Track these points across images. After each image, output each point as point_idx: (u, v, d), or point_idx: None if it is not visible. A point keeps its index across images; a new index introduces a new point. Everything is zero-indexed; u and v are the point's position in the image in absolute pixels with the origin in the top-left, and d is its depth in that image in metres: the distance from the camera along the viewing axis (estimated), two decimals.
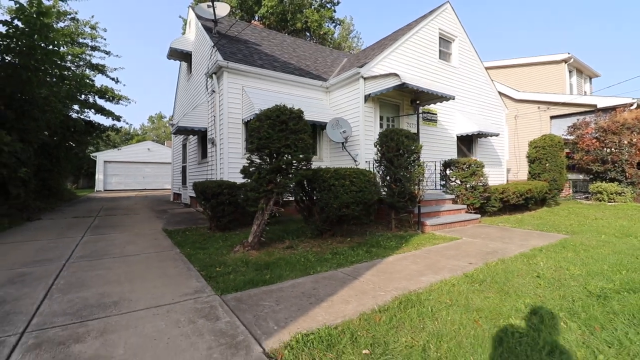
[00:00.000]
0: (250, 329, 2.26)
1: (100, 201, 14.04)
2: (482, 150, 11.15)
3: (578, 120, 12.88)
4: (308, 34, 32.90)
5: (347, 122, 7.86)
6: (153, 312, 2.54)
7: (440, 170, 8.17)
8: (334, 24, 36.62)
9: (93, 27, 16.22)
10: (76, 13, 16.00)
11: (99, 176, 23.64)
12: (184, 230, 6.24)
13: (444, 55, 10.11)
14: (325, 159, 8.81)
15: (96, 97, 16.21)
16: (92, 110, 15.70)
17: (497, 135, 10.38)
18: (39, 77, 8.13)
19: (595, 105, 12.97)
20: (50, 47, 8.14)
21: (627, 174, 11.02)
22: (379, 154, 6.02)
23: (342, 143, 7.86)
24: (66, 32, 15.06)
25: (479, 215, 7.24)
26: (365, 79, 7.85)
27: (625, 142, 10.94)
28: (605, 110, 12.63)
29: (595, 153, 11.50)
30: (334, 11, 35.35)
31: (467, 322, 2.32)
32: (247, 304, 2.71)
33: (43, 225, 6.83)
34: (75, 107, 15.24)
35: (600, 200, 11.15)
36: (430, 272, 3.55)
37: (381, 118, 8.43)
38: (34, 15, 7.53)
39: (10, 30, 7.25)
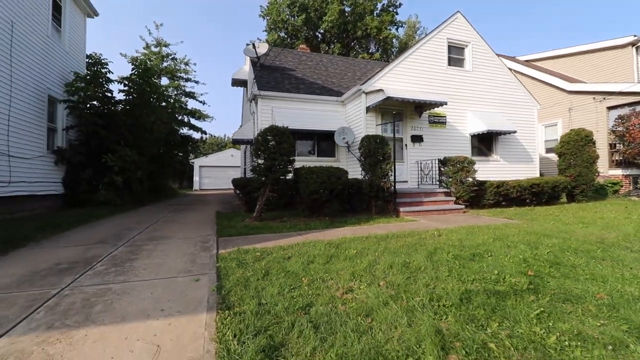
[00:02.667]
0: (219, 247, 4.59)
1: (192, 197, 18.45)
2: (505, 147, 11.51)
3: (632, 109, 11.96)
4: (364, 41, 34.43)
5: (351, 130, 9.70)
6: (182, 240, 5.09)
7: (439, 166, 9.32)
8: (395, 27, 37.31)
9: (186, 64, 21.13)
10: (175, 54, 21.11)
11: (195, 178, 29.57)
12: (229, 212, 9.02)
13: (455, 61, 11.00)
14: (342, 160, 10.73)
15: (189, 117, 21.11)
16: (186, 128, 20.55)
17: (514, 132, 10.75)
18: (147, 111, 12.11)
19: None
20: (151, 90, 12.08)
21: None
22: (361, 156, 7.79)
23: (348, 147, 9.72)
24: (168, 69, 20.18)
25: (462, 206, 8.28)
26: (366, 93, 9.57)
27: None
28: None
29: (638, 146, 10.73)
30: (396, 14, 36.05)
31: (336, 251, 4.23)
32: (227, 240, 5.06)
33: (150, 209, 10.47)
34: (176, 126, 20.22)
35: None
36: (350, 234, 5.37)
37: (387, 124, 9.97)
38: (144, 70, 11.44)
39: (129, 83, 11.23)
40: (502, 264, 3.53)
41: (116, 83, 11.78)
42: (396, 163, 9.71)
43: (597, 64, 15.98)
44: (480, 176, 10.04)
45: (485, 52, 11.39)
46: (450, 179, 8.66)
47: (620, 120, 11.86)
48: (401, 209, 7.61)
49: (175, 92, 21.32)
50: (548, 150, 15.33)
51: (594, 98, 14.01)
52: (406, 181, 9.85)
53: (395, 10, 35.69)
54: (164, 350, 2.06)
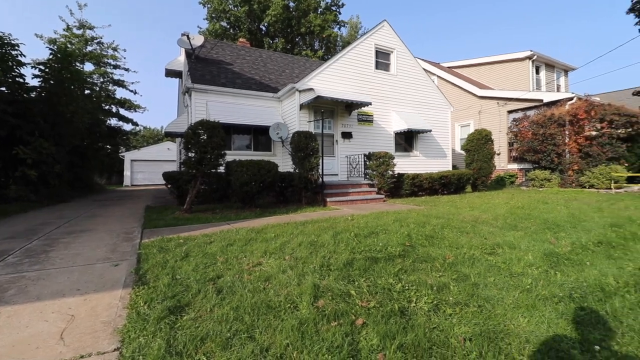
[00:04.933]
0: (143, 237, 4.75)
1: (121, 192, 17.36)
2: (424, 144, 12.98)
3: (524, 114, 14.29)
4: (308, 37, 35.05)
5: (286, 125, 10.20)
6: (104, 232, 5.12)
7: (365, 161, 10.25)
8: (338, 26, 38.45)
9: (115, 49, 19.60)
10: (101, 37, 19.43)
11: (126, 173, 27.56)
12: (160, 206, 8.92)
13: (382, 65, 12.07)
14: (278, 154, 11.16)
15: (118, 107, 19.65)
16: (115, 118, 19.14)
17: (430, 131, 12.20)
18: (67, 99, 11.19)
19: (542, 100, 14.24)
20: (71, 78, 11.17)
21: (555, 162, 12.42)
22: (292, 150, 8.31)
23: (282, 142, 10.20)
24: (93, 55, 18.54)
25: (383, 196, 9.31)
26: (300, 91, 10.11)
27: (550, 133, 12.32)
28: (550, 104, 13.90)
29: (528, 144, 12.96)
30: (339, 13, 37.10)
31: (258, 236, 4.67)
32: (153, 231, 5.21)
33: (71, 205, 9.81)
34: (102, 116, 18.70)
35: (534, 187, 12.64)
36: (275, 222, 5.87)
37: (319, 121, 10.62)
38: (63, 54, 10.55)
39: (45, 68, 10.29)
40: (390, 238, 4.32)
41: (30, 67, 10.68)
42: (327, 157, 10.49)
43: (503, 73, 18.60)
44: (403, 169, 11.28)
45: (408, 58, 12.66)
46: (374, 172, 9.62)
47: (515, 122, 14.13)
48: (328, 199, 8.33)
49: (102, 80, 19.65)
50: (462, 147, 17.48)
51: (497, 103, 16.34)
52: (337, 174, 10.66)
53: (338, 10, 36.73)
54: (78, 318, 2.35)
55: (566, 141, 12.18)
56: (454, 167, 14.17)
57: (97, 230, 5.43)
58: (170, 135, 11.60)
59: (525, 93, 15.09)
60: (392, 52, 12.28)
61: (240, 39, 17.46)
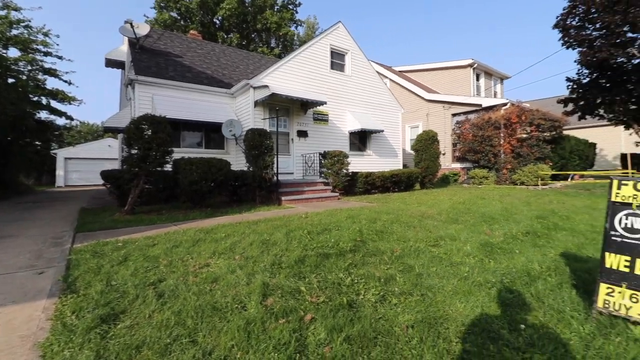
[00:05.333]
0: (75, 241, 4.29)
1: (53, 194, 15.59)
2: (377, 144, 13.43)
3: (465, 117, 15.43)
4: (264, 34, 34.50)
5: (240, 123, 9.92)
6: (29, 238, 4.54)
7: (320, 160, 10.33)
8: (295, 25, 38.33)
9: (46, 34, 17.51)
10: (30, 21, 17.23)
11: (59, 172, 24.83)
12: (97, 207, 8.16)
13: (337, 66, 12.26)
14: (231, 152, 10.82)
15: (50, 99, 17.59)
16: (46, 111, 17.11)
17: (382, 131, 12.67)
18: None
19: (481, 105, 15.49)
20: None
21: (492, 161, 13.59)
22: (246, 148, 8.09)
23: (236, 139, 9.90)
24: (19, 39, 16.37)
25: (337, 194, 9.46)
26: (254, 88, 9.89)
27: (488, 135, 13.47)
28: (488, 108, 15.16)
29: (469, 145, 14.04)
30: (295, 12, 36.96)
31: (206, 236, 4.44)
32: (87, 235, 4.74)
33: None
34: (30, 109, 16.60)
35: (474, 184, 13.69)
36: (227, 221, 5.66)
37: (274, 119, 10.48)
38: None
39: None
40: (342, 235, 4.39)
41: None
42: (283, 156, 10.40)
43: (448, 79, 19.90)
44: (357, 168, 11.55)
45: (362, 60, 13.00)
46: (329, 171, 9.73)
47: (458, 125, 15.22)
48: (283, 198, 8.25)
49: (30, 68, 17.45)
50: (412, 147, 18.39)
51: (443, 106, 17.45)
52: (292, 173, 10.61)
53: (294, 9, 36.60)
54: None
55: (501, 142, 13.38)
56: (404, 166, 14.86)
57: (21, 235, 4.81)
58: (110, 131, 10.66)
59: (467, 98, 16.30)
60: (346, 53, 12.52)
61: (192, 31, 16.61)
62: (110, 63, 12.75)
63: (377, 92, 13.53)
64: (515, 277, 2.92)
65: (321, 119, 11.56)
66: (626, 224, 2.09)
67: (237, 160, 10.28)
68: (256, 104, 9.92)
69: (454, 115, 16.99)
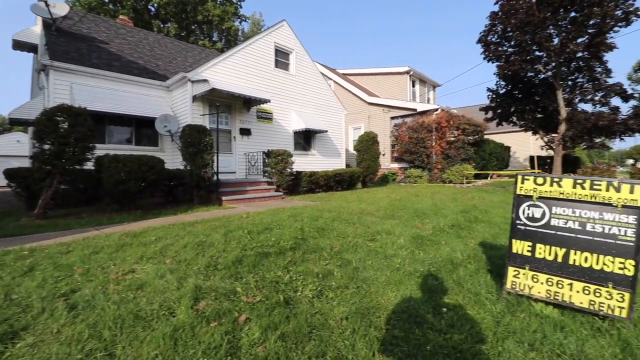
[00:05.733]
0: None
1: None
2: (321, 143, 13.64)
3: (402, 120, 16.45)
4: (205, 27, 32.90)
5: (176, 118, 9.30)
6: None
7: (264, 159, 10.13)
8: (239, 20, 37.16)
9: None
10: None
11: None
12: (1, 211, 6.97)
13: (281, 64, 12.16)
14: (167, 150, 10.07)
15: None
16: None
17: (326, 131, 12.91)
18: None
19: (416, 109, 16.64)
20: None
21: (425, 162, 14.69)
22: (183, 145, 7.60)
23: (171, 136, 9.26)
24: None
25: (281, 193, 9.38)
26: (193, 82, 9.34)
27: (422, 137, 14.55)
28: (422, 113, 16.34)
29: (406, 146, 15.01)
30: (239, 7, 35.79)
31: (124, 237, 4.02)
32: None
33: None
34: None
35: (410, 183, 14.63)
36: (160, 224, 5.24)
37: (215, 115, 10.01)
38: None
39: None
40: (284, 233, 4.35)
41: None
42: (224, 154, 10.00)
43: (388, 84, 21.01)
44: (301, 167, 11.58)
45: (307, 60, 13.09)
46: (273, 170, 9.61)
47: (396, 127, 16.18)
48: (225, 198, 7.93)
49: None
50: (354, 148, 19.03)
51: (383, 109, 18.38)
52: (234, 172, 10.25)
53: (238, 3, 35.44)
54: None
55: (433, 145, 14.54)
56: (347, 165, 15.32)
57: None
58: (17, 123, 9.14)
59: (404, 102, 17.39)
60: (291, 52, 12.49)
61: (121, 17, 15.11)
62: (20, 45, 10.97)
63: (321, 93, 13.74)
64: (440, 265, 3.17)
65: (265, 117, 11.36)
66: (528, 214, 2.40)
67: (174, 159, 9.61)
68: (195, 98, 9.38)
69: (392, 118, 17.99)
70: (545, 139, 14.77)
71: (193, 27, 32.85)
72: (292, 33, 12.47)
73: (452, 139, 14.26)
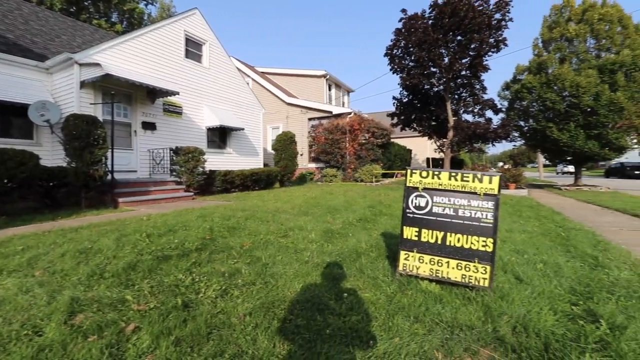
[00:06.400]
0: None
1: None
2: (237, 142, 13.18)
3: (319, 122, 17.02)
4: (102, 5, 28.76)
5: (57, 106, 7.86)
6: None
7: (172, 156, 9.28)
8: (145, 2, 33.43)
9: None
10: None
11: None
12: None
13: (193, 55, 11.34)
14: (46, 143, 8.39)
15: None
16: None
17: (242, 129, 12.54)
18: None
19: (332, 112, 17.41)
20: None
21: (340, 162, 15.49)
22: (66, 138, 6.44)
23: (51, 127, 7.79)
24: None
25: (192, 193, 8.75)
26: (81, 65, 8.02)
27: (337, 139, 15.32)
28: (338, 116, 17.17)
29: (322, 147, 15.59)
30: None
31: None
32: None
33: None
34: None
35: (326, 182, 15.20)
36: (31, 231, 4.34)
37: (110, 105, 8.76)
38: None
39: None
40: (189, 234, 4.05)
41: None
42: (122, 150, 8.86)
43: (306, 85, 21.48)
44: (216, 166, 11.00)
45: (222, 54, 12.48)
46: (182, 169, 8.89)
47: (313, 128, 16.67)
48: (122, 200, 7.00)
49: None
50: (272, 147, 18.96)
51: (301, 110, 18.74)
52: (135, 170, 9.14)
53: None
54: None
55: (347, 146, 15.44)
56: (265, 165, 15.14)
57: None
58: None
59: (321, 105, 18.03)
60: (204, 43, 11.75)
61: None
62: None
63: (238, 90, 13.28)
64: (346, 255, 3.36)
65: (173, 110, 10.44)
66: (416, 203, 2.71)
67: (55, 154, 8.09)
68: (83, 85, 8.07)
69: (310, 119, 18.47)
70: (438, 143, 17.05)
71: (86, 2, 28.29)
72: (205, 23, 11.75)
73: (364, 141, 15.35)
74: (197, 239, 3.81)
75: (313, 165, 17.52)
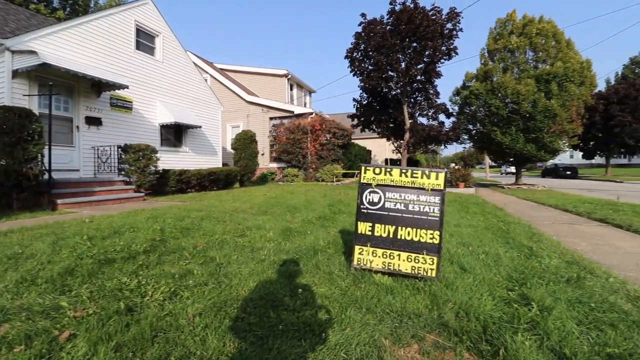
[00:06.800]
0: None
1: None
2: (194, 140, 12.65)
3: (280, 121, 16.90)
4: None
5: None
6: None
7: (120, 154, 8.66)
8: None
9: None
10: None
11: None
12: None
13: (145, 47, 10.69)
14: None
15: None
16: None
17: (200, 127, 12.07)
18: None
19: (293, 112, 17.40)
20: None
21: (301, 162, 15.51)
22: None
23: None
24: None
25: (143, 194, 8.25)
26: (14, 52, 7.21)
27: (298, 138, 15.34)
28: (299, 115, 17.18)
29: (284, 146, 15.52)
30: None
31: None
32: None
33: None
34: None
35: (288, 182, 15.13)
36: None
37: (48, 97, 7.96)
38: None
39: None
40: (137, 236, 3.81)
41: None
42: (63, 147, 8.13)
43: (267, 84, 21.21)
44: (170, 165, 10.47)
45: (177, 48, 11.91)
46: (132, 168, 8.34)
47: (275, 128, 16.52)
48: (61, 201, 6.39)
49: None
50: (232, 146, 18.44)
51: (262, 109, 18.48)
52: (78, 169, 8.40)
53: None
54: None
55: (308, 146, 15.51)
56: (225, 164, 14.72)
57: None
58: None
59: (282, 104, 17.93)
60: (157, 35, 11.13)
61: None
62: None
63: (195, 86, 12.75)
64: (303, 253, 3.37)
65: (122, 105, 9.77)
66: (369, 199, 2.79)
67: None
68: (16, 74, 7.27)
69: (271, 118, 18.29)
70: (396, 144, 17.73)
71: None
72: (158, 14, 11.15)
73: (325, 141, 15.52)
74: (145, 241, 3.59)
75: (274, 165, 17.36)
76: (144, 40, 10.71)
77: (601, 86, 31.39)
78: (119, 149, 8.57)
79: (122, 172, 8.45)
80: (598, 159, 33.99)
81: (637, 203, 7.91)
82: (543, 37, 15.09)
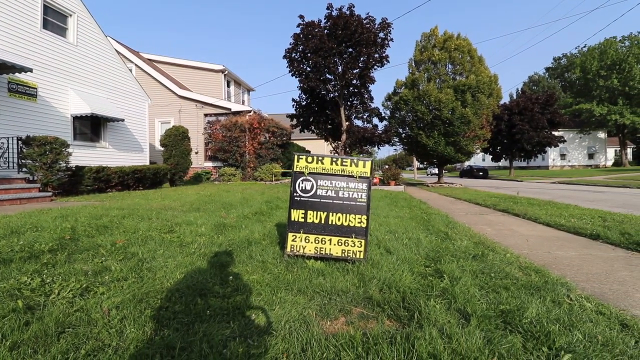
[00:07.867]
0: None
1: None
2: (115, 135, 11.45)
3: (216, 118, 16.23)
4: None
5: None
6: None
7: (21, 147, 7.45)
8: None
9: None
10: None
11: None
12: None
13: (55, 27, 9.36)
14: None
15: None
16: None
17: (122, 120, 10.97)
18: None
19: (230, 109, 16.84)
20: None
21: (239, 160, 15.09)
22: None
23: None
24: None
25: (51, 193, 7.21)
26: None
27: (236, 137, 14.91)
28: (237, 113, 16.67)
29: (220, 144, 14.93)
30: None
31: None
32: None
33: None
34: None
35: (224, 181, 14.56)
36: None
37: None
38: None
39: None
40: (42, 235, 3.34)
41: None
42: None
43: (201, 79, 20.14)
44: (86, 162, 9.33)
45: (95, 31, 10.65)
46: (36, 163, 7.24)
47: (210, 125, 15.79)
48: None
49: None
50: (161, 143, 17.13)
51: (196, 105, 17.52)
52: None
53: None
54: None
55: (246, 144, 15.16)
56: (153, 162, 13.60)
57: None
58: None
59: (218, 100, 17.23)
60: (70, 15, 9.83)
61: None
62: None
63: (116, 75, 11.55)
64: (237, 245, 3.31)
65: (23, 92, 8.41)
66: (302, 187, 2.87)
67: None
68: None
69: (206, 115, 17.46)
70: (334, 145, 18.30)
71: None
72: None
73: (264, 140, 15.33)
74: (52, 240, 3.17)
75: (210, 164, 16.58)
76: (54, 19, 9.37)
77: (506, 99, 36.67)
78: (20, 142, 7.36)
79: (24, 169, 7.28)
80: (504, 162, 39.43)
81: (531, 197, 9.39)
82: (460, 52, 17.03)
